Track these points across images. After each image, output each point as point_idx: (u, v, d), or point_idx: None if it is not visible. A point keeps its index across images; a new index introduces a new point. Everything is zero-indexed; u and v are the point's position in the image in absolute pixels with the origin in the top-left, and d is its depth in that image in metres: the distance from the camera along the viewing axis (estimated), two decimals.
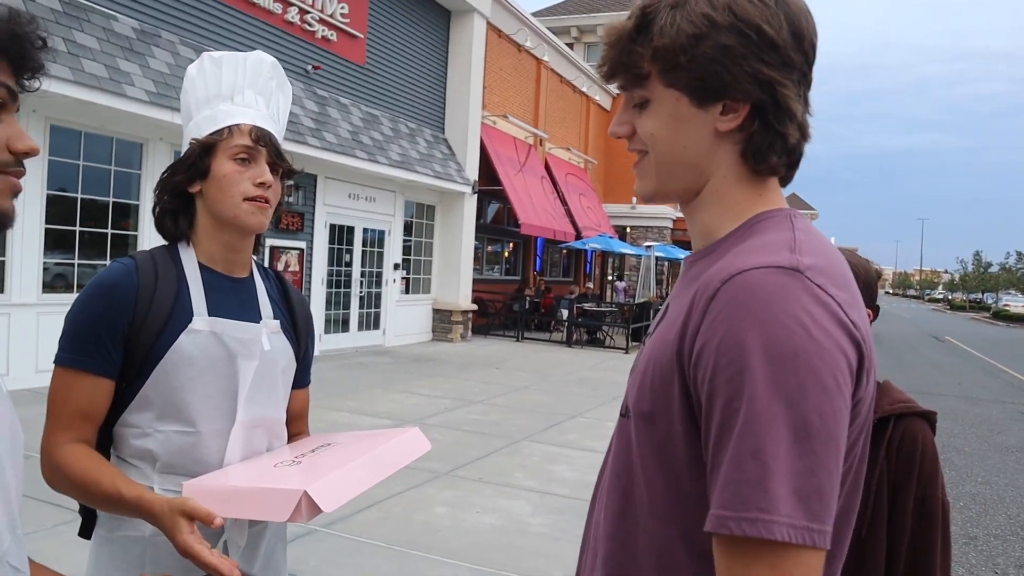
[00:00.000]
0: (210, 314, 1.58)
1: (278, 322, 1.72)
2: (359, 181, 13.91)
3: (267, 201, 1.62)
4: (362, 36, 13.80)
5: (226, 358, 1.58)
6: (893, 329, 32.97)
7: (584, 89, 24.96)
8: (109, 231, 9.52)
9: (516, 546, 4.83)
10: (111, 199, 9.50)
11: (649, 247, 20.87)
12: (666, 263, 28.37)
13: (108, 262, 9.34)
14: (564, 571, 4.46)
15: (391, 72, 14.86)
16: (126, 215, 9.79)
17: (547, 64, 21.60)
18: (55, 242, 8.91)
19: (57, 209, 8.90)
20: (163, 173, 1.65)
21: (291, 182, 1.76)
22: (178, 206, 1.64)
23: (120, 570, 1.54)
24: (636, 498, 1.03)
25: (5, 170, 0.98)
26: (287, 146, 11.06)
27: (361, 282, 14.57)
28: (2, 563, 0.99)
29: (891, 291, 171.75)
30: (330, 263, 13.68)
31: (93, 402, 1.52)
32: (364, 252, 14.66)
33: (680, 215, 28.49)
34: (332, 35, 13.01)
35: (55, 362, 1.52)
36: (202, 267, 1.64)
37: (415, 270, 16.53)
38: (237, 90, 1.67)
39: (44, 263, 8.72)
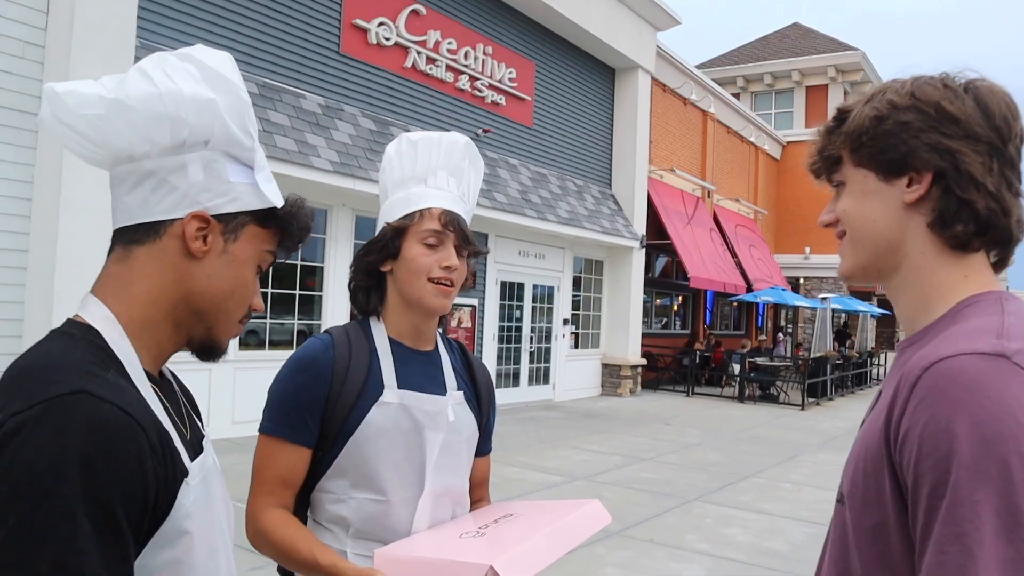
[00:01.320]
0: (399, 387, 1.69)
1: (462, 393, 1.81)
2: (529, 239, 14.24)
3: (452, 284, 1.71)
4: (529, 99, 14.25)
5: (414, 429, 1.68)
6: None
7: (752, 139, 24.51)
8: (297, 292, 10.23)
9: None
10: (299, 262, 10.22)
11: (824, 299, 19.98)
12: (844, 315, 27.05)
13: (296, 320, 10.09)
14: None
15: (558, 131, 15.22)
16: (312, 275, 10.50)
17: (713, 116, 21.41)
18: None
19: None
20: (358, 251, 1.78)
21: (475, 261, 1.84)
22: (371, 283, 1.77)
23: None
24: None
25: (243, 320, 1.19)
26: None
27: (531, 337, 14.81)
28: None
29: None
30: (501, 319, 14.02)
31: (293, 469, 1.65)
32: (534, 308, 14.92)
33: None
34: (501, 99, 13.51)
35: (260, 431, 1.67)
36: (392, 341, 1.75)
37: (584, 325, 16.62)
38: (430, 172, 1.77)
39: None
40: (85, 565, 0.85)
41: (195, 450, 1.10)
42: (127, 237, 1.09)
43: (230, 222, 1.12)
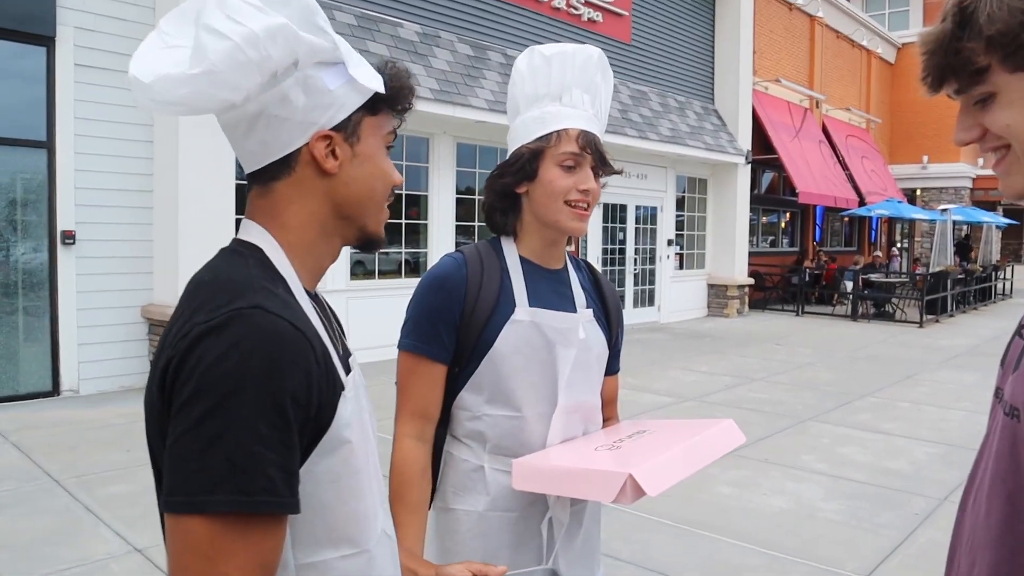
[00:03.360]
0: (530, 304, 1.72)
1: (591, 311, 1.83)
2: (630, 159, 14.00)
3: (588, 206, 1.71)
4: (627, 14, 13.83)
5: (546, 347, 1.71)
6: None
7: (864, 43, 23.22)
8: (403, 221, 10.40)
9: (807, 531, 4.70)
10: (404, 192, 10.35)
11: (945, 210, 19.03)
12: (966, 227, 25.74)
13: (403, 249, 10.29)
14: (858, 562, 4.27)
15: (657, 47, 14.76)
16: (416, 204, 10.65)
17: (821, 20, 20.33)
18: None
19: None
20: (493, 171, 1.79)
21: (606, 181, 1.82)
22: (506, 205, 1.77)
23: (456, 538, 1.73)
24: (1020, 504, 0.98)
25: (387, 202, 1.22)
26: None
27: (635, 260, 14.70)
28: (382, 533, 1.20)
29: None
30: (604, 242, 13.95)
31: (432, 385, 1.70)
32: (637, 229, 14.77)
33: (982, 172, 25.74)
34: (598, 16, 13.16)
35: (399, 347, 1.73)
36: (523, 260, 1.77)
37: (688, 245, 16.37)
38: (565, 89, 1.73)
39: (349, 253, 9.74)
40: (255, 464, 0.91)
41: (346, 365, 1.15)
42: (263, 178, 1.13)
43: (347, 126, 1.14)
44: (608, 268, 14.09)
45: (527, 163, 1.71)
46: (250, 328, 0.95)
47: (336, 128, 1.12)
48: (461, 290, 1.70)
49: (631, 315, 14.60)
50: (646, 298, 15.09)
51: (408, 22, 10.14)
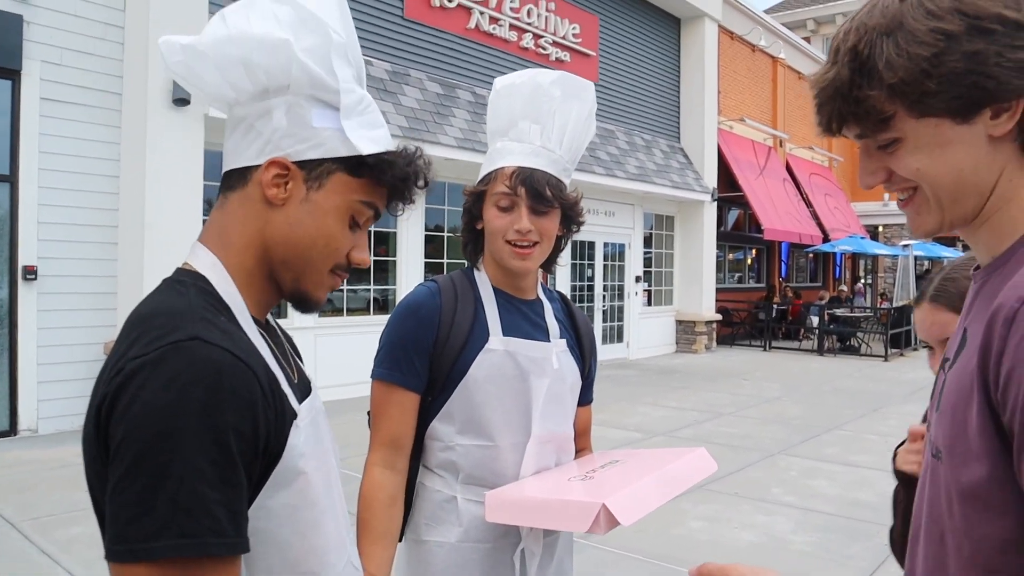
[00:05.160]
0: (504, 334, 1.71)
1: (565, 341, 1.82)
2: (598, 196, 14.12)
3: (530, 244, 1.68)
4: (594, 54, 14.04)
5: (520, 376, 1.70)
6: None
7: None
8: (371, 258, 10.36)
9: (778, 564, 4.69)
10: (372, 229, 10.32)
11: (906, 246, 19.37)
12: (927, 262, 26.24)
13: (372, 286, 10.24)
14: None
15: (624, 86, 14.99)
16: (384, 242, 10.63)
17: (783, 61, 20.78)
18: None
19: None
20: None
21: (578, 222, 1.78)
22: (469, 238, 1.79)
23: (427, 571, 1.70)
24: (949, 545, 0.95)
25: (337, 272, 1.15)
26: None
27: (604, 296, 14.77)
28: (348, 564, 1.17)
29: None
30: (573, 279, 14.01)
31: (404, 413, 1.69)
32: (605, 266, 14.85)
33: None
34: (566, 56, 13.35)
35: (372, 376, 1.71)
36: (496, 290, 1.77)
37: (656, 282, 16.48)
38: (512, 122, 1.73)
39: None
40: (198, 505, 0.87)
41: (303, 392, 1.12)
42: (226, 183, 1.12)
43: (314, 169, 1.09)
44: (577, 305, 14.08)
45: (472, 205, 1.73)
46: (188, 360, 0.91)
47: (301, 164, 1.09)
48: (435, 318, 1.69)
49: (600, 352, 14.60)
50: (615, 334, 15.13)
51: (378, 60, 10.21)
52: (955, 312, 1.42)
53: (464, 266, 1.83)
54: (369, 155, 1.10)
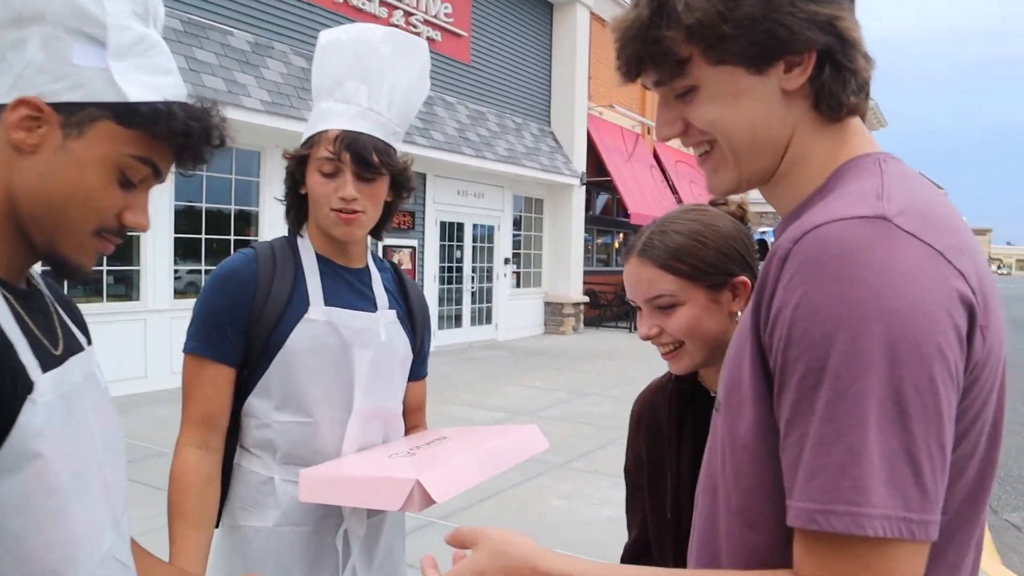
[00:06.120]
0: (326, 303, 1.61)
1: (394, 312, 1.74)
2: (467, 178, 14.07)
3: (354, 212, 1.59)
4: (466, 34, 13.93)
5: (341, 347, 1.61)
6: None
7: None
8: (232, 238, 9.94)
9: None
10: (233, 207, 9.92)
11: (763, 232, 20.28)
12: None
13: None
14: None
15: (496, 68, 14.95)
16: (248, 222, 10.21)
17: None
18: (184, 251, 9.39)
19: (184, 220, 9.36)
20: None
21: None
22: (293, 203, 1.68)
23: (244, 558, 1.60)
24: (720, 499, 0.94)
25: (104, 235, 1.00)
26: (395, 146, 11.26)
27: (472, 278, 14.76)
28: (108, 559, 1.02)
29: None
30: (442, 260, 13.92)
31: (217, 389, 1.57)
32: (475, 248, 14.84)
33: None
34: (437, 35, 13.19)
35: (183, 350, 1.59)
36: (320, 257, 1.66)
37: (525, 264, 16.61)
38: (337, 82, 1.62)
39: (175, 271, 9.21)
40: None
41: (58, 363, 0.98)
42: None
43: (74, 114, 0.94)
44: (445, 286, 14.06)
45: (295, 170, 1.63)
46: None
47: (58, 107, 0.94)
48: (250, 287, 1.57)
49: (469, 333, 14.63)
50: (483, 316, 15.15)
51: (239, 31, 9.76)
52: (662, 268, 1.33)
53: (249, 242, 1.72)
54: (143, 103, 0.96)
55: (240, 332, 1.57)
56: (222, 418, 1.59)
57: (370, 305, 1.69)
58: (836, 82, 0.91)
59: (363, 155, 1.57)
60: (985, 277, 0.82)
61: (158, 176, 1.03)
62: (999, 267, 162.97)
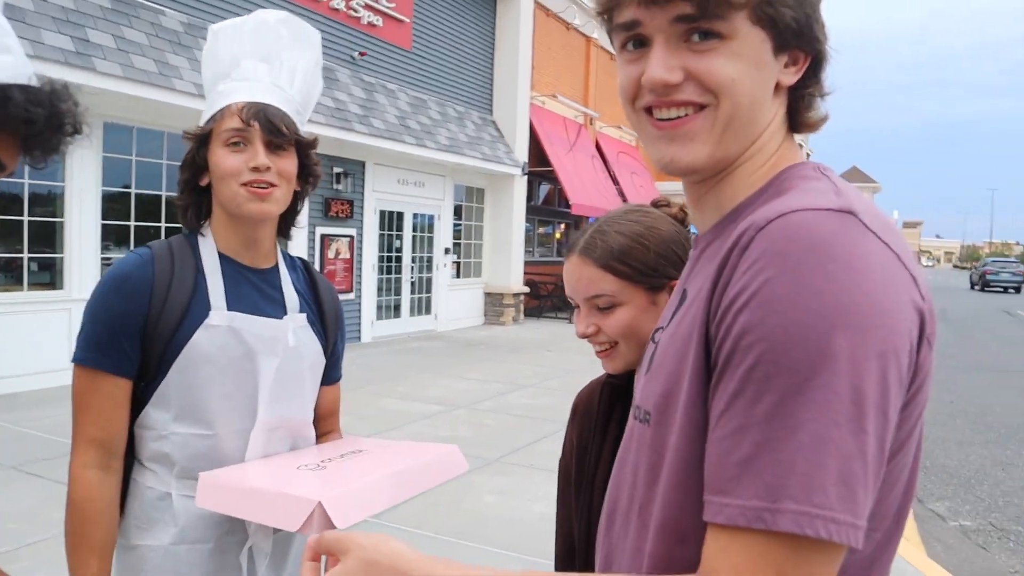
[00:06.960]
0: (230, 308, 1.52)
1: (304, 315, 1.65)
2: (408, 166, 13.89)
3: (268, 185, 1.51)
4: (408, 20, 13.74)
5: (246, 355, 1.51)
6: (960, 304, 31.96)
7: None
8: (163, 225, 9.62)
9: None
10: (164, 192, 9.60)
11: None
12: None
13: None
14: None
15: (438, 56, 14.78)
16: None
17: (596, 42, 21.28)
18: (112, 237, 9.03)
19: (113, 205, 9.00)
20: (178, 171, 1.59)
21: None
22: (191, 200, 1.58)
23: None
24: (651, 514, 0.88)
25: None
26: (334, 133, 11.09)
27: (412, 267, 14.60)
28: None
29: (959, 264, 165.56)
30: (381, 249, 13.72)
31: (114, 404, 1.47)
32: (415, 237, 14.67)
33: None
34: (378, 20, 12.97)
35: (73, 361, 1.48)
36: (223, 258, 1.57)
37: (466, 254, 16.51)
38: (233, 63, 1.56)
39: (102, 258, 8.85)
40: None
41: None
42: None
43: None
44: (384, 276, 13.88)
45: (196, 152, 1.53)
46: None
47: None
48: (146, 292, 1.47)
49: (408, 324, 14.48)
50: (423, 306, 15.01)
51: (172, 10, 9.44)
52: (603, 269, 1.34)
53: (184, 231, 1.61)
54: None
55: (136, 341, 1.46)
56: (121, 435, 1.48)
57: (278, 309, 1.60)
58: (813, 92, 0.93)
59: (273, 122, 1.50)
60: (928, 288, 0.80)
61: (1, 169, 0.92)
62: (928, 259, 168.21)
